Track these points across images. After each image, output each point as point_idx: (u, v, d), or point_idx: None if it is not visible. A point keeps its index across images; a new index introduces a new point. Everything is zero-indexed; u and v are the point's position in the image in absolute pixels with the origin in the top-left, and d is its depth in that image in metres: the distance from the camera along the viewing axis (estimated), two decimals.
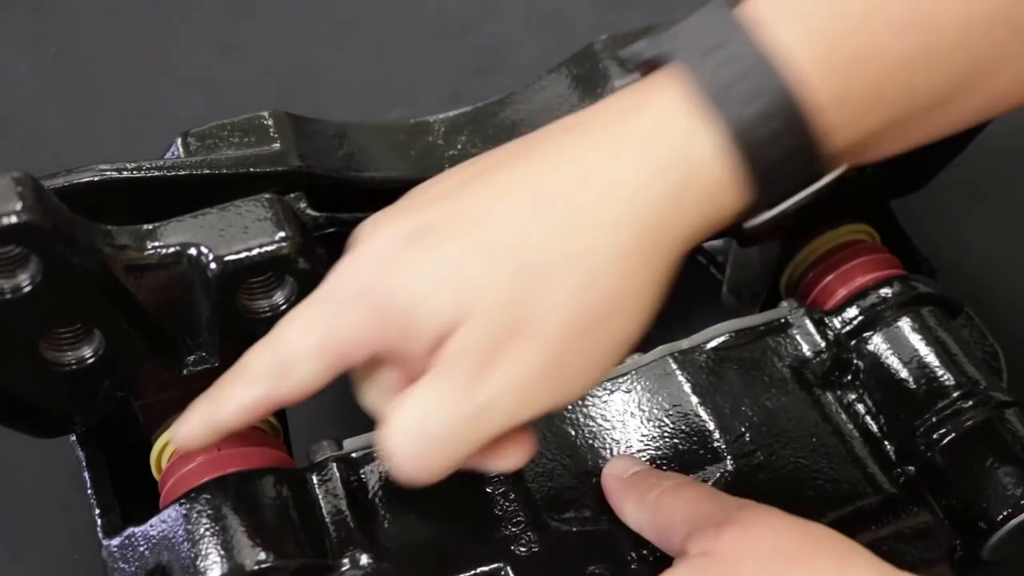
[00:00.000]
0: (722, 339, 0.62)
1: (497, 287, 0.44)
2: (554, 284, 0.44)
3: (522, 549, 0.55)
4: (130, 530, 0.55)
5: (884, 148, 0.47)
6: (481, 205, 0.46)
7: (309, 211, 0.63)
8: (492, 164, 0.47)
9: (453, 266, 0.45)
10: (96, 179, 0.56)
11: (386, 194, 0.65)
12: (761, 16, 0.44)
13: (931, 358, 0.60)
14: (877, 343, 0.61)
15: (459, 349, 0.45)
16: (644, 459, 0.58)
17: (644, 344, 0.62)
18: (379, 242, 0.47)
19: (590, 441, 0.59)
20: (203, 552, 0.52)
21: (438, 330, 0.45)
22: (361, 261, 0.47)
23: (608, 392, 0.60)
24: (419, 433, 0.46)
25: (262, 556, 0.51)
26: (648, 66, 0.46)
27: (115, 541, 0.55)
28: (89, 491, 0.58)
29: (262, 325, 0.54)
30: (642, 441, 0.59)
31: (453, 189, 0.47)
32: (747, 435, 0.59)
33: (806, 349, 0.62)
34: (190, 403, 0.57)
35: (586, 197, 0.44)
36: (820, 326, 0.62)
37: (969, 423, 0.58)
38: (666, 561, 0.52)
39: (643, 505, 0.54)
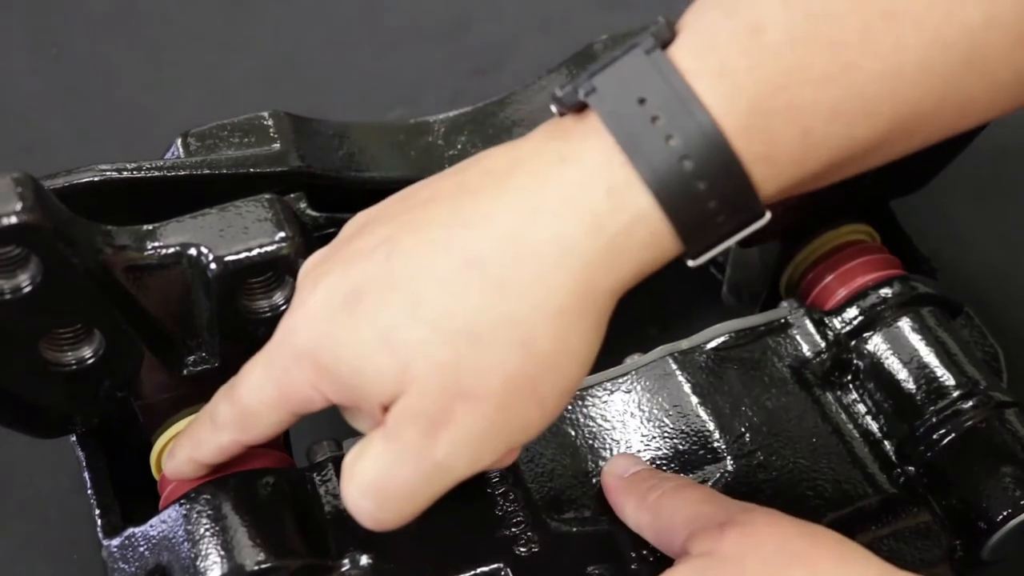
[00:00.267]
0: (722, 339, 0.62)
1: (434, 354, 0.44)
2: (489, 348, 0.44)
3: (522, 549, 0.55)
4: (130, 530, 0.55)
5: (826, 182, 0.46)
6: (411, 268, 0.45)
7: (309, 211, 0.63)
8: (420, 218, 0.46)
9: (389, 335, 0.45)
10: (96, 179, 0.56)
11: (386, 194, 0.65)
12: (685, 68, 0.43)
13: (931, 358, 0.60)
14: (877, 343, 0.61)
15: (406, 414, 0.45)
16: (644, 459, 0.58)
17: (644, 344, 0.62)
18: (316, 303, 0.47)
19: (590, 441, 0.59)
20: (203, 552, 0.52)
21: (383, 396, 0.45)
22: (301, 323, 0.47)
23: (608, 392, 0.60)
24: (377, 492, 0.46)
25: (262, 556, 0.51)
26: (576, 108, 0.45)
27: (115, 541, 0.55)
28: (89, 491, 0.58)
29: (262, 325, 0.54)
30: (642, 441, 0.59)
31: (383, 242, 0.46)
32: (747, 435, 0.59)
33: (806, 349, 0.62)
34: (189, 404, 0.57)
35: (515, 259, 0.44)
36: (820, 326, 0.62)
37: (969, 423, 0.58)
38: (666, 562, 0.52)
39: (643, 505, 0.54)
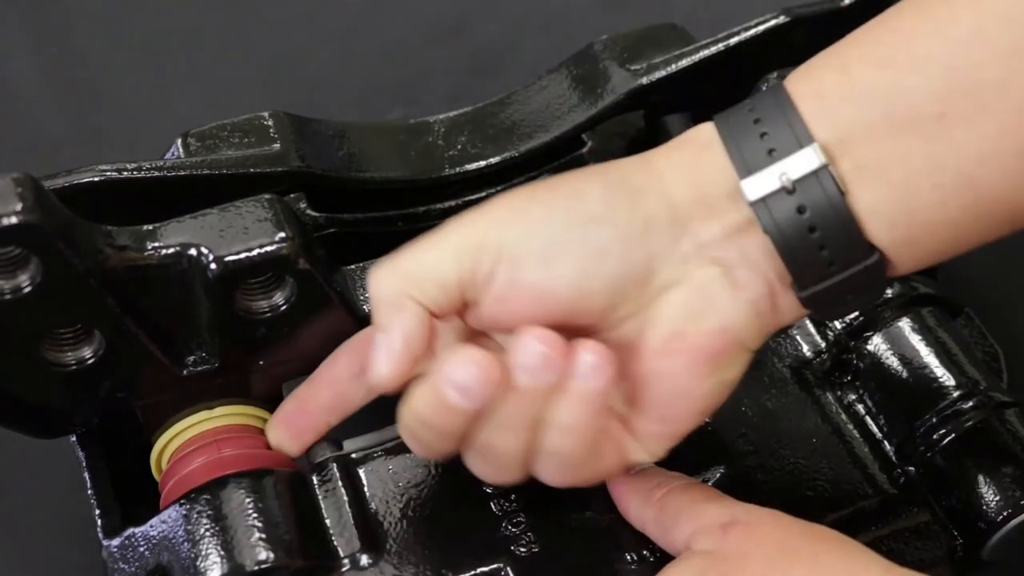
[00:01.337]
0: None
1: None
2: None
3: (522, 549, 0.55)
4: (130, 531, 0.55)
5: None
6: None
7: (309, 211, 0.63)
8: None
9: None
10: (96, 179, 0.56)
11: (386, 194, 0.65)
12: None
13: (931, 358, 0.60)
14: (877, 343, 0.61)
15: None
16: None
17: None
18: None
19: None
20: (203, 552, 0.52)
21: None
22: None
23: None
24: None
25: (262, 556, 0.51)
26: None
27: (115, 542, 0.55)
28: (89, 491, 0.58)
29: (262, 325, 0.54)
30: None
31: None
32: (747, 435, 0.59)
33: (806, 349, 0.62)
34: (189, 404, 0.57)
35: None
36: (820, 326, 0.62)
37: (969, 423, 0.58)
38: (667, 562, 0.52)
39: (649, 502, 0.54)
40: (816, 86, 0.48)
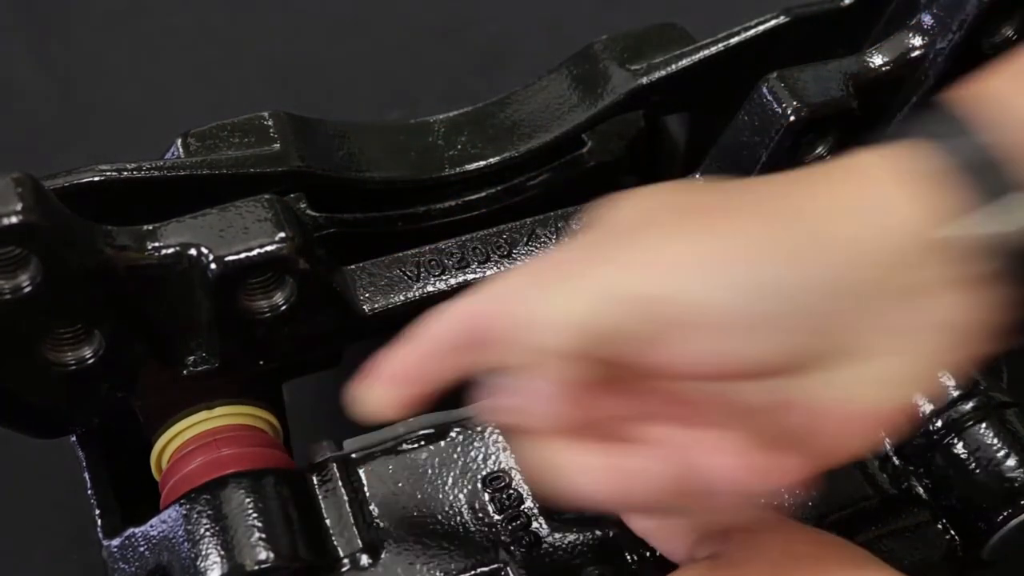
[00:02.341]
0: None
1: None
2: None
3: (522, 549, 0.55)
4: (130, 530, 0.55)
5: None
6: None
7: (309, 211, 0.63)
8: None
9: None
10: (96, 179, 0.56)
11: (386, 194, 0.65)
12: None
13: None
14: None
15: None
16: None
17: None
18: None
19: None
20: (203, 552, 0.52)
21: None
22: None
23: None
24: None
25: (262, 556, 0.51)
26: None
27: (115, 541, 0.55)
28: (89, 491, 0.58)
29: (262, 326, 0.54)
30: None
31: None
32: None
33: None
34: (189, 404, 0.57)
35: None
36: None
37: (969, 423, 0.58)
38: (667, 562, 0.52)
39: None
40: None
